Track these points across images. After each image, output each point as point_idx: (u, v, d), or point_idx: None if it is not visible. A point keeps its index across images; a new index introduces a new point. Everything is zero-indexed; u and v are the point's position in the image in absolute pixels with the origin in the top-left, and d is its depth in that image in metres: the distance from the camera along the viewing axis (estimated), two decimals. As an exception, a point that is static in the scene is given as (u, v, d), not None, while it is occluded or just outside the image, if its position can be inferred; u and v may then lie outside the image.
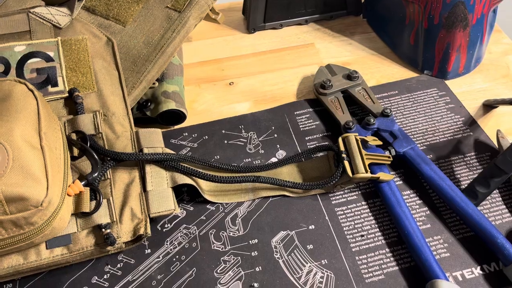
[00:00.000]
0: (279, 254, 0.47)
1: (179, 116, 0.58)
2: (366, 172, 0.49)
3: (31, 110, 0.42)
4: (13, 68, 0.50)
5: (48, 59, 0.52)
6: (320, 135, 0.58)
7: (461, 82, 0.65)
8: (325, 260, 0.46)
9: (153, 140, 0.50)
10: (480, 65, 0.67)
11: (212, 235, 0.48)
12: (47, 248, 0.43)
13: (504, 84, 0.65)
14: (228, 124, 0.59)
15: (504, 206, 0.50)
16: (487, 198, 0.51)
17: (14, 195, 0.37)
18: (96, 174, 0.45)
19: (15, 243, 0.39)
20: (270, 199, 0.51)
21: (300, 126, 0.59)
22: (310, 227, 0.49)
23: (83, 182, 0.44)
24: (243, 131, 0.59)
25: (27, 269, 0.42)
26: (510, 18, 0.82)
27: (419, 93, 0.63)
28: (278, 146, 0.57)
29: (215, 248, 0.47)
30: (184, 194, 0.52)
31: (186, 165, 0.49)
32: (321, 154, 0.55)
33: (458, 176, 0.53)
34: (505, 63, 0.68)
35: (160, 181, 0.48)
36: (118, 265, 0.46)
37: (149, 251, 0.47)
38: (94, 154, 0.46)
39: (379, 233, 0.48)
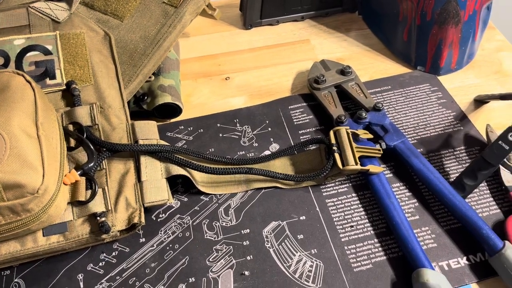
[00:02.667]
0: (270, 243, 0.48)
1: (175, 109, 0.59)
2: (356, 164, 0.50)
3: (28, 100, 0.43)
4: (13, 61, 0.52)
5: (47, 52, 0.53)
6: (313, 129, 0.59)
7: (453, 78, 0.66)
8: (315, 250, 0.47)
9: (148, 132, 0.51)
10: (473, 61, 0.68)
11: (205, 225, 0.50)
12: (43, 236, 0.44)
13: (496, 80, 0.65)
14: (223, 118, 0.60)
15: (491, 199, 0.51)
16: (475, 190, 0.52)
17: (11, 182, 0.38)
18: (92, 164, 0.46)
19: (13, 229, 0.40)
20: (263, 190, 0.52)
21: (294, 120, 0.60)
22: (301, 218, 0.50)
23: (79, 172, 0.46)
24: (238, 124, 0.60)
25: (24, 256, 0.44)
26: (504, 15, 0.83)
27: (411, 88, 0.64)
28: (272, 139, 0.58)
29: (207, 237, 0.49)
30: (179, 185, 0.53)
31: (180, 156, 0.51)
32: (313, 147, 0.56)
33: (448, 169, 0.54)
34: (498, 60, 0.68)
35: (154, 172, 0.49)
36: (113, 253, 0.47)
37: (143, 240, 0.48)
38: (90, 145, 0.47)
39: (368, 224, 0.50)
